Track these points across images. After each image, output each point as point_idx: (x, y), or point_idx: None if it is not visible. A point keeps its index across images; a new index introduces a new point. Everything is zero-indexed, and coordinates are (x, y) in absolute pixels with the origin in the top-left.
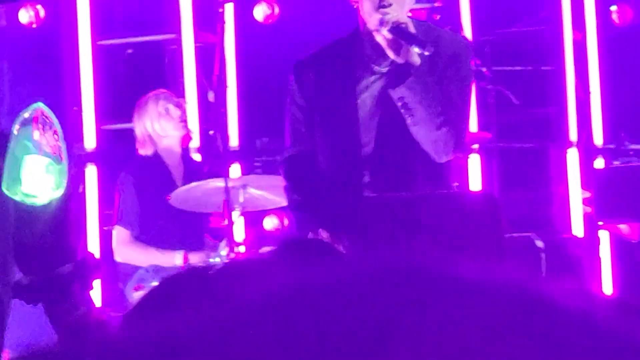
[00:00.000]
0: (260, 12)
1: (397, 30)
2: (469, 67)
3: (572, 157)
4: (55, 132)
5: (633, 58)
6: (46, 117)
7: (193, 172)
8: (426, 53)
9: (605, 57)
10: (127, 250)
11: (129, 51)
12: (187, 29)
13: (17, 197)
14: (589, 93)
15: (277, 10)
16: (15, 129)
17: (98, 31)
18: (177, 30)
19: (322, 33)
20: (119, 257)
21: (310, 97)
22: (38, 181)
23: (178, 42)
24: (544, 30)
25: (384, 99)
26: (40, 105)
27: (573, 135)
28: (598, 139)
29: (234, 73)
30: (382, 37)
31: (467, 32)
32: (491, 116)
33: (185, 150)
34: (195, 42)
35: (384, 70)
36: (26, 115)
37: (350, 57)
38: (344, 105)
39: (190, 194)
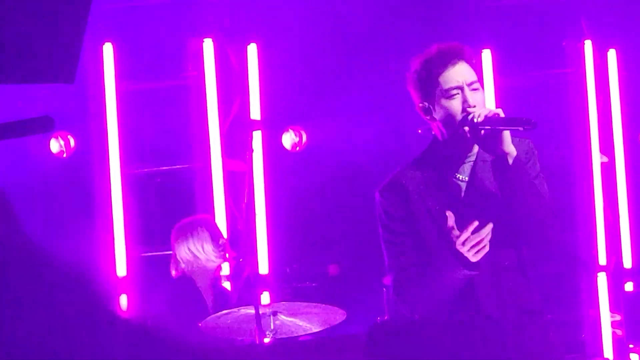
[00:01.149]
0: (288, 140)
1: (492, 120)
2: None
3: (602, 280)
4: None
5: None
6: None
7: (222, 299)
8: (531, 127)
9: (633, 177)
10: None
11: (158, 180)
12: (216, 157)
13: None
14: (618, 216)
15: (304, 137)
16: None
17: (128, 160)
18: (206, 158)
19: (349, 160)
20: None
21: (403, 218)
22: None
23: (207, 170)
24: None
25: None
26: None
27: (602, 259)
28: (627, 262)
29: (262, 200)
30: (476, 136)
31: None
32: None
33: (216, 278)
34: (225, 169)
35: (466, 177)
36: None
37: (435, 169)
38: (440, 219)
39: (221, 321)
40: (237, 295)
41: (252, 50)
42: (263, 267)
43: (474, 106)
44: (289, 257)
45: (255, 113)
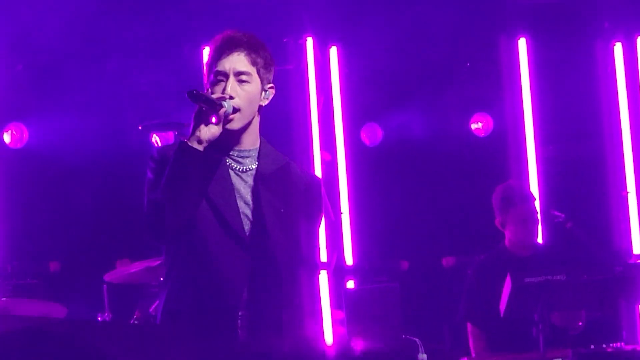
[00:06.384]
0: (8, 136)
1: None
2: (320, 202)
3: (323, 278)
4: None
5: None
6: None
7: None
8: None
9: (352, 174)
10: None
11: None
12: None
13: None
14: (340, 214)
15: (25, 134)
16: None
17: None
18: None
19: (71, 158)
20: None
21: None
22: None
23: None
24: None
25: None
26: None
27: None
28: (349, 259)
29: None
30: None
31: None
32: None
33: None
34: None
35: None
36: None
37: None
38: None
39: None
40: None
41: None
42: None
43: (230, 97)
44: (10, 254)
45: None
